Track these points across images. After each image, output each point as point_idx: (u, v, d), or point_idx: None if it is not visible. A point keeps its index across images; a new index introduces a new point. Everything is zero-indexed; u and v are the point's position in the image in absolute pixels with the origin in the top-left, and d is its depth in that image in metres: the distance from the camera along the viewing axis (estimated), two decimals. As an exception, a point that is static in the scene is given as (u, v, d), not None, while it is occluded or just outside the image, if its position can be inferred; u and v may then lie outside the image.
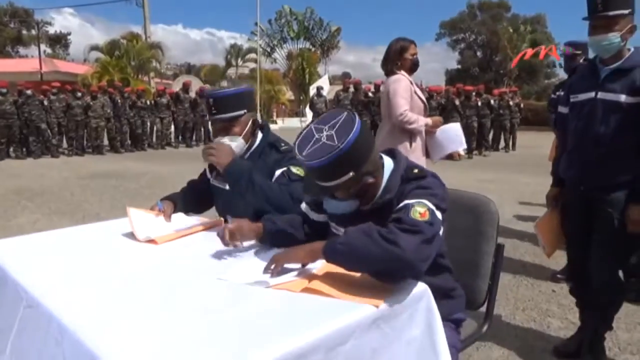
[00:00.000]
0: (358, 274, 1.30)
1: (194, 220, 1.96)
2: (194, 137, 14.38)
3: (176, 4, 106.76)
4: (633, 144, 2.08)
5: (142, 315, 1.12)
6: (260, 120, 2.15)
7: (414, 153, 3.06)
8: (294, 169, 1.93)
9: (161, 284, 1.33)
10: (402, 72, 3.13)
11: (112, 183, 7.87)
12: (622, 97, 2.06)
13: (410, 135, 3.09)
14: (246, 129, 2.00)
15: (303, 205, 1.72)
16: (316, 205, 1.67)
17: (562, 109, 2.40)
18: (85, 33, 68.90)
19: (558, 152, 2.54)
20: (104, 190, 7.28)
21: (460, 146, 3.27)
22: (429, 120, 3.13)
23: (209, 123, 2.09)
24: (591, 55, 2.40)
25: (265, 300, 1.21)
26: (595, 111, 2.14)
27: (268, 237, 1.64)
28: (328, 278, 1.28)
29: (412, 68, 3.16)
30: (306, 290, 1.23)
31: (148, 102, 13.34)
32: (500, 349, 2.55)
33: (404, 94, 3.06)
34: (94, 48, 22.72)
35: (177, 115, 13.79)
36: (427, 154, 3.26)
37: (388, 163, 1.53)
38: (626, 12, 2.03)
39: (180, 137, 14.20)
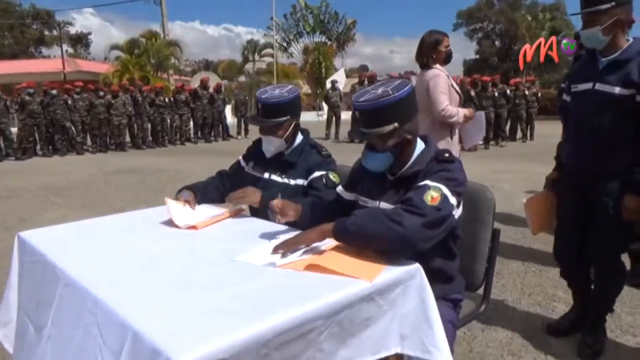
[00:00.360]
0: (356, 254, 1.44)
1: (218, 208, 2.13)
2: (212, 133, 14.64)
3: (193, 1, 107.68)
4: (627, 135, 2.14)
5: (165, 290, 1.28)
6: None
7: (454, 144, 3.23)
8: (332, 176, 2.13)
9: (181, 264, 1.49)
10: (437, 65, 3.23)
11: (135, 178, 8.14)
12: (617, 90, 2.12)
13: (451, 128, 3.23)
14: (288, 132, 2.19)
15: (339, 188, 1.92)
16: (350, 186, 1.86)
17: (566, 97, 2.47)
18: (105, 32, 70.09)
19: (562, 137, 2.62)
20: (127, 185, 7.55)
21: (481, 136, 3.41)
22: (466, 112, 3.26)
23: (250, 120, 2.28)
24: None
25: (273, 278, 1.36)
26: (592, 102, 2.20)
27: (305, 218, 1.79)
28: (329, 257, 1.43)
29: (446, 60, 3.26)
30: (309, 268, 1.38)
31: (167, 100, 13.62)
32: (504, 331, 2.66)
33: (444, 89, 3.16)
34: (115, 47, 23.16)
35: (196, 111, 14.05)
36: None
37: (420, 144, 1.70)
38: (607, 6, 2.07)
39: (199, 133, 14.47)
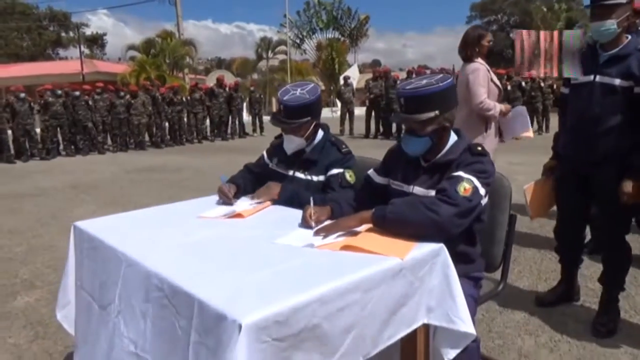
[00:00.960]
0: (387, 234, 1.60)
1: (254, 201, 2.26)
2: (229, 130, 14.87)
3: (205, 0, 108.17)
4: (624, 124, 2.30)
5: (218, 268, 1.45)
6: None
7: (489, 137, 3.40)
8: (348, 175, 2.24)
9: (227, 247, 1.66)
10: (480, 59, 3.40)
11: (156, 176, 8.38)
12: (617, 81, 2.28)
13: (487, 121, 3.40)
14: (309, 132, 2.31)
15: (370, 171, 2.05)
16: (383, 171, 2.00)
17: (564, 90, 2.63)
18: (119, 32, 71.00)
19: (558, 128, 2.77)
20: (149, 183, 7.79)
21: (528, 129, 3.58)
22: (502, 107, 3.42)
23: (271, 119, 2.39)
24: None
25: (312, 257, 1.52)
26: (594, 93, 2.35)
27: (337, 216, 1.90)
28: (363, 238, 1.60)
29: (487, 55, 3.44)
30: (345, 247, 1.54)
31: (184, 99, 13.87)
32: (521, 313, 2.80)
33: (483, 83, 3.34)
34: (131, 47, 23.59)
35: (212, 109, 14.27)
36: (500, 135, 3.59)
37: (453, 136, 1.86)
38: (624, 1, 2.22)
39: (215, 131, 14.69)
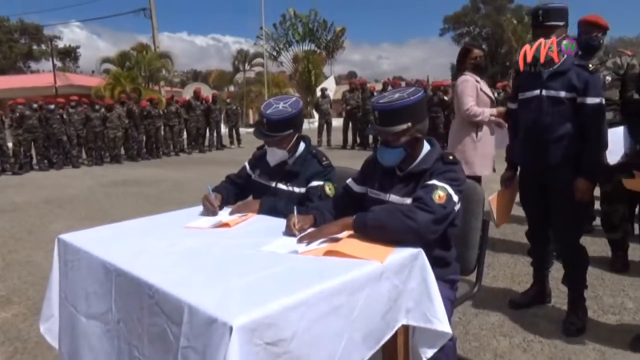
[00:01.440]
0: (368, 240, 1.68)
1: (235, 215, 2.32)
2: (206, 143, 14.83)
3: (180, 12, 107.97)
4: (570, 131, 2.53)
5: (205, 274, 1.50)
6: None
7: (480, 141, 3.64)
8: (327, 188, 2.31)
9: (213, 255, 1.71)
10: (468, 73, 3.67)
11: (134, 190, 8.31)
12: (562, 94, 2.52)
13: (477, 126, 3.63)
14: (291, 144, 2.38)
15: (349, 180, 2.14)
16: (360, 180, 2.09)
17: (512, 105, 2.88)
18: (92, 45, 70.02)
19: (510, 140, 2.99)
20: (127, 196, 7.72)
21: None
22: (493, 111, 3.64)
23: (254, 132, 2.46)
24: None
25: (297, 262, 1.58)
26: (542, 105, 2.59)
27: (321, 223, 1.95)
28: (344, 243, 1.67)
29: (475, 69, 3.69)
30: (328, 253, 1.61)
31: (161, 111, 13.79)
32: (496, 315, 2.91)
33: (470, 92, 3.62)
34: (106, 60, 23.34)
35: (190, 122, 14.23)
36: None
37: (426, 145, 1.96)
38: (561, 23, 2.51)
39: (193, 143, 14.64)
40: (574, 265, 2.72)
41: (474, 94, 3.61)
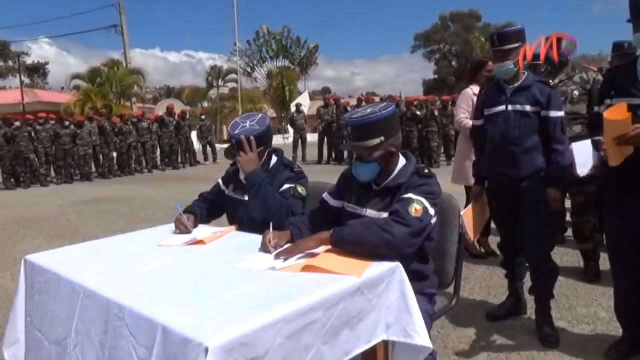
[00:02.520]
0: (345, 255, 1.66)
1: (213, 228, 2.29)
2: (179, 159, 14.65)
3: (153, 28, 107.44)
4: (536, 144, 2.64)
5: (181, 293, 1.46)
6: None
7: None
8: (300, 189, 2.32)
9: (189, 273, 1.67)
10: (472, 85, 3.97)
11: (106, 208, 8.12)
12: (528, 108, 2.63)
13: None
14: (263, 160, 2.36)
15: (325, 194, 2.13)
16: (337, 194, 2.09)
17: (477, 122, 2.96)
18: (62, 61, 68.76)
19: (476, 156, 3.06)
20: (98, 214, 7.53)
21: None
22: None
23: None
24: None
25: (274, 279, 1.56)
26: (509, 120, 2.69)
27: (297, 239, 1.93)
28: (322, 259, 1.64)
29: (489, 81, 3.77)
30: (305, 269, 1.59)
31: (131, 128, 13.57)
32: (474, 328, 2.91)
33: (464, 105, 3.90)
34: (76, 76, 22.94)
35: (163, 138, 14.06)
36: None
37: (402, 159, 1.97)
38: (517, 45, 2.62)
39: (166, 160, 14.46)
40: (544, 275, 2.75)
41: (469, 106, 3.79)
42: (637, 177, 2.22)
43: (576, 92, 3.57)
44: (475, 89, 3.85)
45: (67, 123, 12.11)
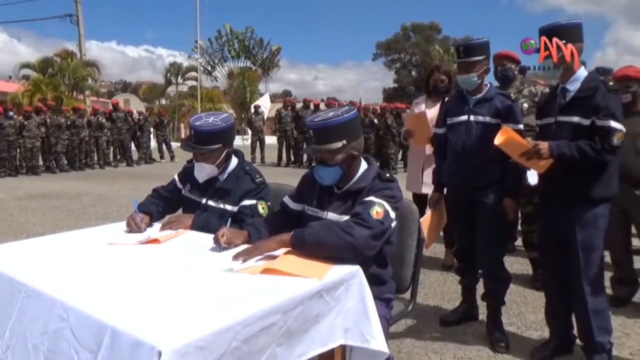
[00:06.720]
0: (305, 257, 1.63)
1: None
2: (134, 157, 14.24)
3: (110, 20, 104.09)
4: (496, 154, 2.62)
5: (133, 294, 1.39)
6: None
7: (427, 160, 3.90)
8: (260, 207, 2.25)
9: (142, 273, 1.59)
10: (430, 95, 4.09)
11: (53, 203, 7.75)
12: (488, 119, 2.71)
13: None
14: (220, 159, 2.28)
15: (285, 197, 2.09)
16: (297, 197, 2.06)
17: (438, 130, 3.02)
18: (11, 49, 65.63)
19: (436, 164, 3.12)
20: (45, 210, 7.18)
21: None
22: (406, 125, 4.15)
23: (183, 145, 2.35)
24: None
25: (232, 281, 1.51)
26: (470, 130, 2.76)
27: (255, 241, 1.88)
28: (282, 261, 1.61)
29: (433, 91, 4.02)
30: (264, 271, 1.55)
31: (85, 122, 13.07)
32: (427, 333, 2.95)
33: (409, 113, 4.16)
34: (25, 66, 21.87)
35: (112, 134, 13.62)
36: None
37: (364, 163, 1.96)
38: (481, 57, 2.69)
39: (119, 156, 14.01)
40: (497, 283, 2.83)
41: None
42: (551, 188, 2.47)
43: (525, 105, 3.70)
44: (421, 98, 4.08)
45: (10, 113, 11.47)
